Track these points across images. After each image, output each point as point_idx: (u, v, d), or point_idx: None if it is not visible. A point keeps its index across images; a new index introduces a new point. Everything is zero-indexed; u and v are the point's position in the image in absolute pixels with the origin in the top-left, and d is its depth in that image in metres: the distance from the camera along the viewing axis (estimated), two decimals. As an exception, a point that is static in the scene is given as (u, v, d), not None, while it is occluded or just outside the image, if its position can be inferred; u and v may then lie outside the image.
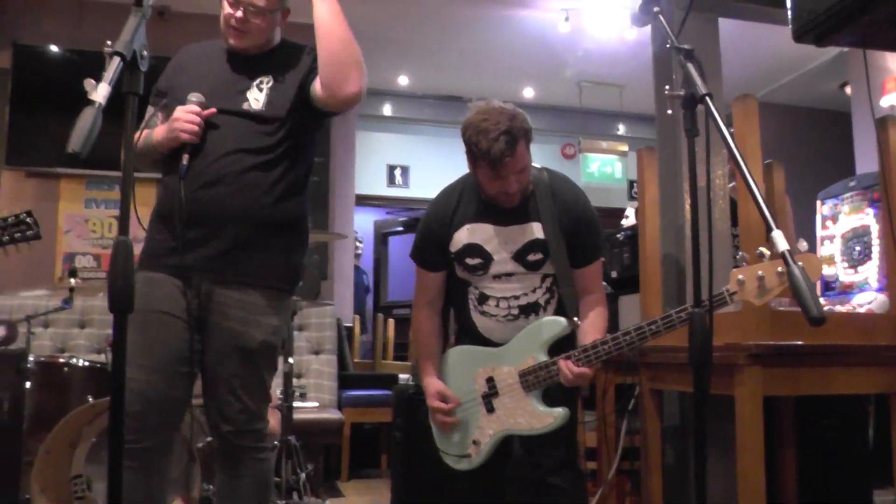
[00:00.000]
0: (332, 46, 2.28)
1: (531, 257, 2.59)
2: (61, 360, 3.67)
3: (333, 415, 5.04)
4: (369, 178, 8.41)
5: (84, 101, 1.41)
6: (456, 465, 2.70)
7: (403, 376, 5.84)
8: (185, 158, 2.24)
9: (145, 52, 1.53)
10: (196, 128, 2.26)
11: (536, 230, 2.59)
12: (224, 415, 2.34)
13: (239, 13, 2.32)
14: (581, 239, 2.62)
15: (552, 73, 7.48)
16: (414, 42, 6.95)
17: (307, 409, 5.00)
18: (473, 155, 2.49)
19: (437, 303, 2.81)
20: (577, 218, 2.61)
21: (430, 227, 2.73)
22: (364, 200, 8.37)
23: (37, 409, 3.52)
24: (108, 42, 1.48)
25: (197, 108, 2.27)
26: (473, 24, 6.48)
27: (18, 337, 3.75)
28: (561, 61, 7.10)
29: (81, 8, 6.12)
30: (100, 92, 1.40)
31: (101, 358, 4.57)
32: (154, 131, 2.40)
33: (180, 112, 2.27)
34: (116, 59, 1.46)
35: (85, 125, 1.36)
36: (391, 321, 7.00)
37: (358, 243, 8.09)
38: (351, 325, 6.66)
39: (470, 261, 2.65)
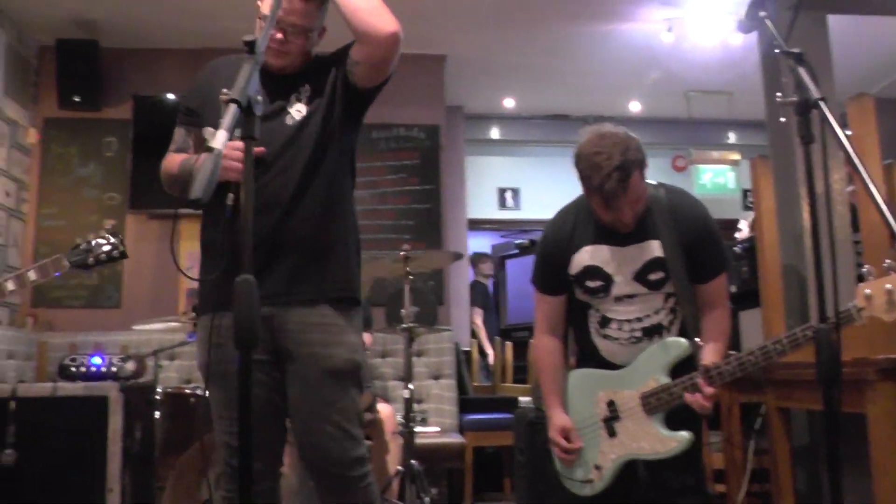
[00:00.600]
0: (356, 2, 2.20)
1: (652, 276, 2.54)
2: (188, 391, 3.81)
3: (455, 439, 5.06)
4: (480, 201, 8.45)
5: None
6: (579, 490, 2.65)
7: (524, 399, 5.83)
8: (231, 199, 1.94)
9: (259, 98, 1.57)
10: (241, 165, 1.97)
11: (655, 248, 2.53)
12: (324, 448, 2.22)
13: (279, 34, 2.23)
14: (703, 253, 2.54)
15: (658, 85, 7.36)
16: (518, 64, 6.96)
17: (429, 433, 5.04)
18: (586, 187, 2.47)
19: (559, 328, 2.75)
20: (697, 231, 2.54)
21: (548, 251, 2.71)
22: (476, 224, 8.40)
23: (166, 438, 3.68)
24: (224, 90, 1.54)
25: (240, 144, 2.02)
26: (576, 41, 6.45)
27: (147, 370, 3.91)
28: (666, 72, 6.98)
29: (195, 58, 6.41)
30: (218, 139, 1.45)
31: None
32: (191, 158, 2.30)
33: (229, 150, 2.07)
34: (233, 106, 1.51)
35: (206, 172, 1.40)
36: (508, 344, 6.99)
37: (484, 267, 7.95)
38: (468, 349, 6.68)
39: (590, 283, 2.60)
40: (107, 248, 2.90)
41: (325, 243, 2.28)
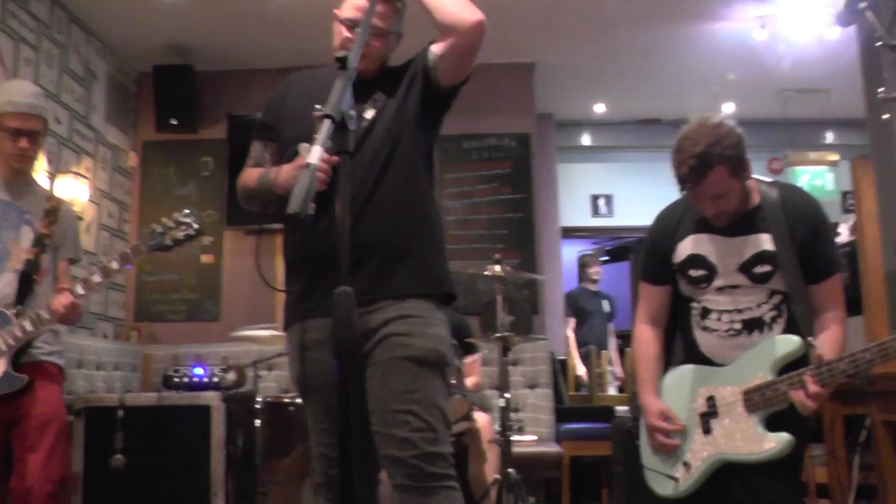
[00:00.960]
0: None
1: (758, 269, 2.47)
2: (286, 400, 3.87)
3: (552, 448, 5.02)
4: (573, 209, 8.36)
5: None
6: (659, 487, 2.56)
7: (621, 409, 5.74)
8: (313, 208, 1.88)
9: (353, 112, 1.59)
10: (326, 177, 1.96)
11: (765, 242, 2.47)
12: (400, 438, 2.05)
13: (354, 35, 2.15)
14: (816, 251, 2.46)
15: (752, 85, 7.16)
16: (608, 69, 6.88)
17: (525, 442, 5.01)
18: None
19: (661, 319, 2.72)
20: (810, 227, 2.45)
21: (655, 240, 2.71)
22: (569, 232, 8.33)
23: (267, 445, 3.75)
24: (318, 106, 1.57)
25: (325, 155, 2.04)
26: (666, 43, 6.35)
27: (247, 380, 4.00)
28: (760, 71, 6.76)
29: (285, 76, 6.51)
30: (314, 154, 1.47)
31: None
32: (271, 171, 2.25)
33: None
34: (327, 122, 1.53)
35: (303, 187, 1.43)
36: (604, 353, 6.90)
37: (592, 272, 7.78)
38: (564, 357, 6.63)
39: (693, 272, 2.57)
40: (183, 227, 2.94)
41: (406, 242, 2.19)
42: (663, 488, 2.54)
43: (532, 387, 5.56)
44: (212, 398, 3.47)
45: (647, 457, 2.62)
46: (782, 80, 7.05)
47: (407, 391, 2.07)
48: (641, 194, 7.81)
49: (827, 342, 2.39)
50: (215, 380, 3.81)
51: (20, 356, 2.89)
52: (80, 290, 2.94)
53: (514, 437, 4.28)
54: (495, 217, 6.41)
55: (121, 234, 6.33)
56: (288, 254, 2.34)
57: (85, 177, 5.68)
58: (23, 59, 5.06)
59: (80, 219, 5.49)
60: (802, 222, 2.45)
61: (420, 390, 2.09)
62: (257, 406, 3.73)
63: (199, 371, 3.85)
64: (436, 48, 2.23)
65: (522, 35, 6.11)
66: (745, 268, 2.48)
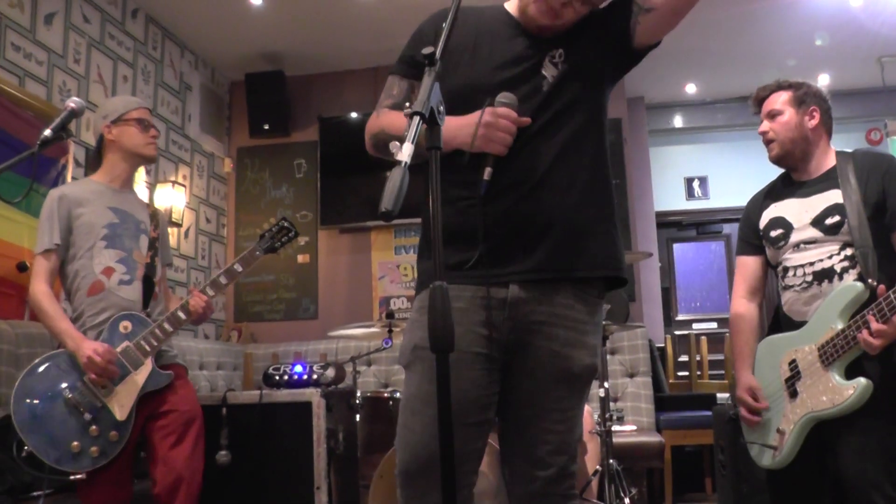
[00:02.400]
0: None
1: (829, 221, 2.57)
2: (385, 395, 3.92)
3: (653, 438, 4.94)
4: (667, 193, 8.19)
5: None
6: (763, 461, 2.62)
7: (722, 396, 5.61)
8: (488, 173, 1.85)
9: (442, 108, 1.58)
10: (511, 139, 1.85)
11: (835, 196, 2.60)
12: (537, 457, 1.93)
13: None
14: (892, 198, 2.53)
15: (848, 54, 6.87)
16: (697, 48, 6.70)
17: (626, 432, 4.95)
18: None
19: (756, 292, 2.87)
20: (882, 176, 2.56)
21: (747, 212, 2.92)
22: (664, 216, 8.18)
23: (368, 439, 3.83)
24: (407, 104, 1.57)
25: (513, 114, 1.85)
26: (756, 17, 6.14)
27: (346, 376, 4.08)
28: (857, 39, 6.48)
29: (376, 75, 6.65)
30: (405, 152, 1.47)
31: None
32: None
33: (497, 118, 1.83)
34: (416, 119, 1.53)
35: (394, 185, 1.43)
36: (704, 339, 6.76)
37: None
38: (662, 345, 6.53)
39: (773, 233, 2.73)
40: (284, 231, 3.32)
41: (590, 218, 1.97)
42: (765, 461, 2.61)
43: (631, 375, 5.48)
44: (312, 394, 3.53)
45: (747, 432, 2.71)
46: (881, 46, 6.72)
47: (555, 409, 1.94)
48: (736, 174, 7.61)
49: None
50: (315, 376, 3.87)
51: (157, 358, 3.11)
52: (210, 291, 3.19)
53: (614, 428, 4.23)
54: (590, 204, 6.34)
55: (219, 238, 6.52)
56: (441, 223, 1.82)
57: (182, 185, 5.87)
58: (120, 77, 5.26)
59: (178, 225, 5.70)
60: (874, 175, 2.57)
61: (570, 409, 1.96)
62: (357, 401, 3.80)
63: (298, 368, 3.92)
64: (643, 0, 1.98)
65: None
66: (818, 221, 2.60)
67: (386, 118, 2.06)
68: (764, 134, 2.78)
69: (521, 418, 1.97)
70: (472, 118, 1.86)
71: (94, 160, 3.32)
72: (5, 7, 4.24)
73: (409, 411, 1.97)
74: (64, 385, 2.93)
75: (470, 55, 1.99)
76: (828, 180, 2.66)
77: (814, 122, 2.73)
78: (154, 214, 3.36)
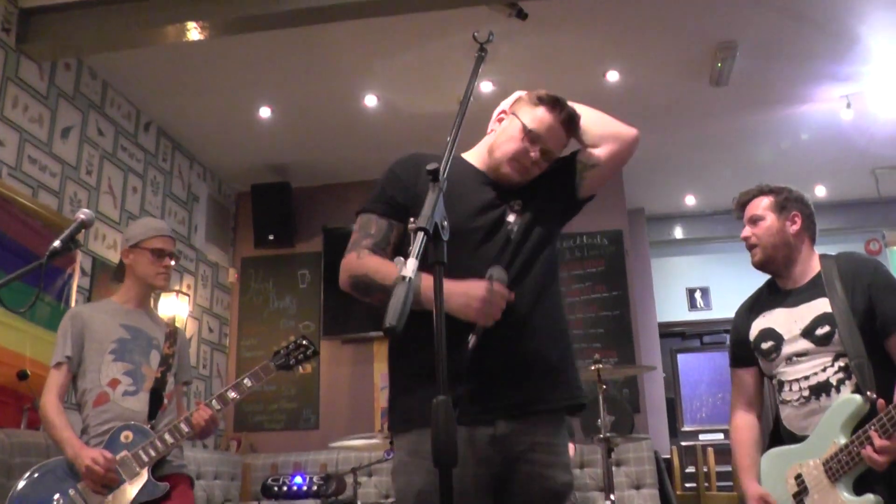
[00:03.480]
0: (594, 115, 2.27)
1: (819, 331, 2.54)
2: (387, 507, 3.85)
3: (662, 554, 4.81)
4: (669, 304, 8.20)
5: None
6: None
7: (732, 509, 5.48)
8: (473, 340, 1.90)
9: (445, 223, 1.61)
10: (498, 312, 1.93)
11: (823, 305, 2.56)
12: None
13: (535, 154, 2.15)
14: (880, 304, 2.50)
15: (843, 165, 7.00)
16: (696, 161, 6.85)
17: (634, 549, 4.82)
18: None
19: (754, 403, 2.84)
20: (868, 283, 2.54)
21: (735, 325, 2.88)
22: (667, 328, 8.16)
23: (368, 554, 3.73)
24: (412, 219, 1.60)
25: (506, 291, 1.94)
26: (753, 131, 6.30)
27: (347, 487, 4.01)
28: (850, 151, 6.63)
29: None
30: (409, 267, 1.48)
31: None
32: (420, 279, 1.87)
33: (492, 294, 1.91)
34: (420, 234, 1.56)
35: (399, 300, 1.44)
36: (710, 450, 6.64)
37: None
38: (668, 456, 6.41)
39: (764, 345, 2.69)
40: (301, 349, 3.32)
41: (560, 355, 2.11)
42: None
43: (637, 487, 5.37)
44: (312, 508, 3.47)
45: None
46: (874, 159, 6.88)
47: None
48: (738, 285, 7.52)
49: None
50: (315, 488, 3.82)
51: (157, 468, 3.09)
52: (216, 404, 3.16)
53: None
54: (591, 316, 6.35)
55: (221, 347, 6.50)
56: (414, 363, 2.05)
57: (186, 294, 5.89)
58: (130, 188, 5.36)
59: (184, 334, 5.69)
60: (859, 281, 2.55)
61: None
62: (357, 514, 3.72)
63: (298, 480, 3.87)
64: (587, 157, 2.24)
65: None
66: (808, 332, 2.56)
67: (371, 262, 2.07)
68: (746, 239, 2.79)
69: None
70: (464, 287, 1.92)
71: (115, 277, 3.38)
72: (26, 122, 4.38)
73: None
74: (57, 495, 2.92)
75: (448, 200, 1.87)
76: (814, 288, 2.63)
77: (795, 227, 2.72)
78: (172, 333, 3.41)
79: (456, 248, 1.81)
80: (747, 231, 2.79)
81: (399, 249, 2.10)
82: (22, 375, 4.03)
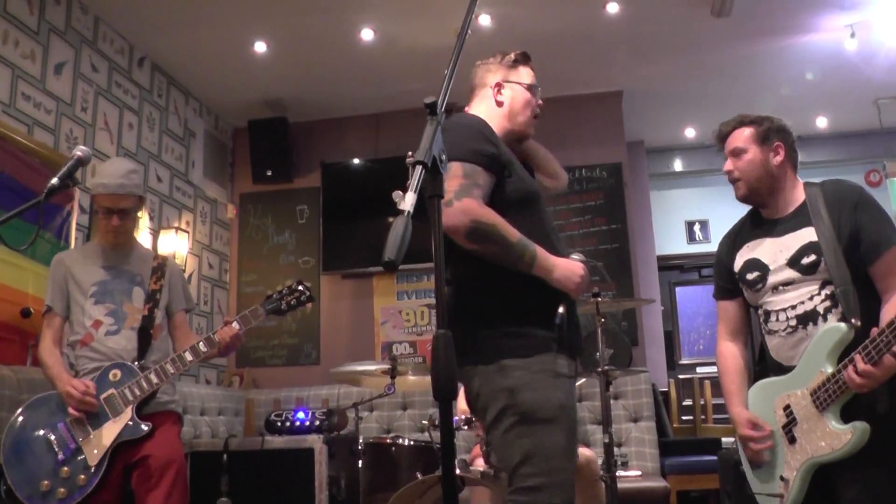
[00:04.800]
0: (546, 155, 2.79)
1: (805, 260, 2.52)
2: (388, 441, 3.89)
3: (658, 483, 4.90)
4: (668, 237, 8.23)
5: (387, 204, 1.51)
6: None
7: (727, 440, 5.58)
8: (563, 309, 2.28)
9: (444, 157, 1.61)
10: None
11: (808, 234, 2.54)
12: None
13: (541, 102, 2.59)
14: (864, 230, 2.48)
15: (845, 97, 6.94)
16: (696, 92, 6.78)
17: (630, 478, 4.91)
18: None
19: (740, 333, 2.84)
20: (852, 209, 2.51)
21: (719, 256, 2.87)
22: (665, 260, 8.19)
23: (370, 486, 3.78)
24: (410, 153, 1.59)
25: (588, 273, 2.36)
26: (754, 61, 6.22)
27: (348, 422, 4.05)
28: (854, 81, 6.56)
29: (376, 121, 6.73)
30: (407, 201, 1.48)
31: (426, 436, 4.75)
32: (542, 253, 2.26)
33: (587, 274, 2.34)
34: (419, 168, 1.55)
35: (397, 234, 1.44)
36: (707, 383, 6.74)
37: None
38: (666, 389, 6.50)
39: (749, 276, 2.68)
40: (297, 294, 3.35)
41: None
42: None
43: (635, 420, 5.45)
44: (314, 441, 3.53)
45: (752, 483, 2.65)
46: (877, 89, 6.81)
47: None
48: (737, 217, 7.59)
49: (887, 314, 2.35)
50: (317, 423, 3.86)
51: (143, 405, 3.17)
52: (236, 325, 3.26)
53: (619, 473, 4.20)
54: (590, 249, 6.36)
55: (221, 283, 6.53)
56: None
57: (185, 231, 5.90)
58: (126, 124, 5.32)
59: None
60: (844, 208, 2.52)
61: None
62: (359, 447, 3.77)
63: (301, 415, 3.91)
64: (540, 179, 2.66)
65: (609, 64, 6.13)
66: (794, 261, 2.55)
67: (496, 216, 2.22)
68: (729, 173, 2.73)
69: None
70: (573, 266, 2.30)
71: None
72: (18, 58, 4.32)
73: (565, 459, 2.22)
74: (48, 424, 3.06)
75: (519, 166, 2.43)
76: (800, 217, 2.60)
77: (779, 157, 2.67)
78: (160, 266, 3.45)
79: (539, 209, 2.38)
80: (729, 164, 2.73)
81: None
82: (25, 313, 4.06)
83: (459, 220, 2.16)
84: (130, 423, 3.08)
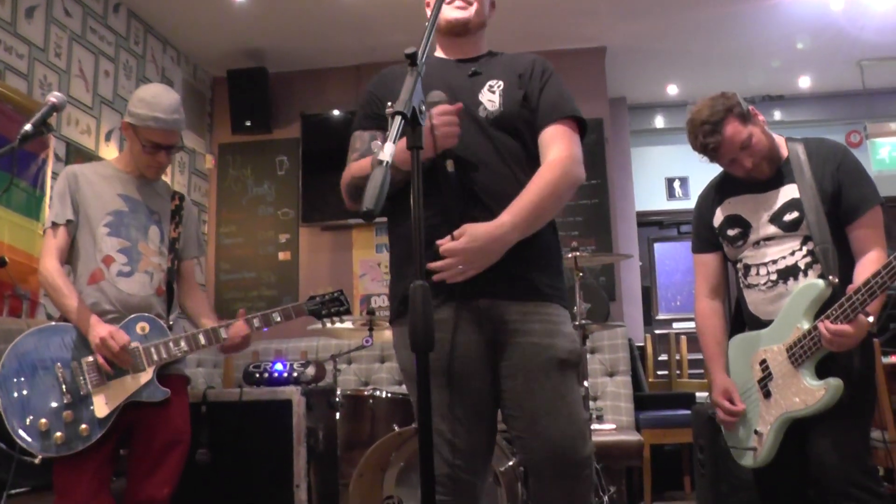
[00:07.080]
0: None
1: (787, 217, 2.53)
2: (366, 393, 3.93)
3: (632, 436, 4.97)
4: (648, 193, 8.24)
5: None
6: (741, 459, 2.62)
7: (701, 395, 5.66)
8: (451, 164, 1.98)
9: (423, 108, 1.60)
10: (458, 129, 1.99)
11: (791, 191, 2.54)
12: (557, 445, 1.99)
13: None
14: (846, 189, 2.49)
15: (829, 57, 6.93)
16: (679, 49, 6.75)
17: (605, 431, 4.97)
18: (695, 150, 2.67)
19: (719, 290, 2.81)
20: (835, 168, 2.51)
21: (699, 211, 2.85)
22: (645, 216, 8.22)
23: (348, 438, 3.83)
24: (389, 103, 1.58)
25: (449, 107, 2.00)
26: (738, 20, 6.19)
27: (326, 374, 4.06)
28: (837, 42, 6.55)
29: (357, 73, 6.65)
30: (386, 151, 1.48)
31: (403, 389, 4.76)
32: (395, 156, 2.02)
33: (438, 116, 1.97)
34: (398, 119, 1.54)
35: (376, 184, 1.43)
36: (683, 338, 6.80)
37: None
38: (643, 344, 6.56)
39: (730, 231, 2.67)
40: (336, 304, 3.24)
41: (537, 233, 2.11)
42: (745, 460, 2.61)
43: (611, 374, 5.51)
44: (292, 393, 3.53)
45: (727, 436, 2.69)
46: (862, 50, 6.81)
47: (558, 396, 2.04)
48: (717, 174, 7.62)
49: (860, 275, 2.36)
50: (295, 374, 3.87)
51: (162, 367, 2.90)
52: (256, 323, 3.10)
53: (594, 427, 4.25)
54: (570, 204, 6.35)
55: (201, 234, 6.49)
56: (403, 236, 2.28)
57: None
58: (102, 72, 5.23)
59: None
60: (828, 167, 2.51)
61: (569, 393, 2.07)
62: (337, 399, 3.80)
63: (279, 367, 3.91)
64: (548, 135, 2.25)
65: (592, 19, 6.06)
66: (776, 218, 2.56)
67: (355, 166, 2.21)
68: (751, 170, 2.57)
69: (529, 411, 2.03)
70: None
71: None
72: (-15, 0, 4.22)
73: (439, 416, 2.03)
74: (59, 358, 2.77)
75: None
76: (783, 174, 2.58)
77: (764, 123, 2.62)
78: (178, 209, 3.16)
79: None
80: (748, 161, 2.56)
81: None
82: (1, 262, 3.99)
83: (345, 201, 2.31)
84: (150, 384, 2.82)
